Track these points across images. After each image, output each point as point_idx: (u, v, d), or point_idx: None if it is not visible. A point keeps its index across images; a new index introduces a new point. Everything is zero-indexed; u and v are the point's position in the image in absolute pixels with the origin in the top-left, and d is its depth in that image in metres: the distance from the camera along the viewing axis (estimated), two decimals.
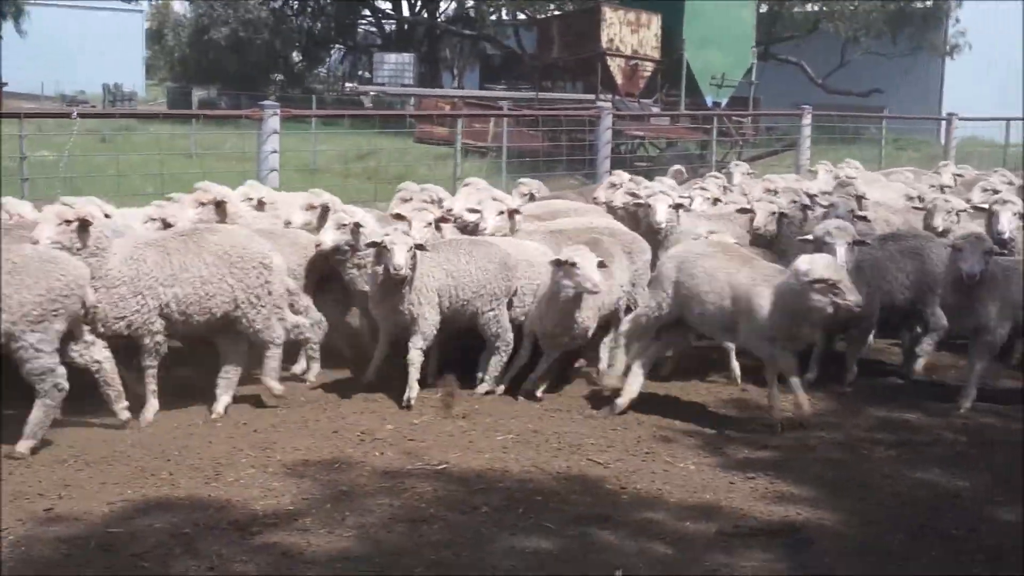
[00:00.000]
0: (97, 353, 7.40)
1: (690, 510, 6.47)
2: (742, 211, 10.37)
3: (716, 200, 11.93)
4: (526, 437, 7.74)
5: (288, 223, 9.26)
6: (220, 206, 9.08)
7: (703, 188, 12.24)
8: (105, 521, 6.06)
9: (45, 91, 60.71)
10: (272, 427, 7.81)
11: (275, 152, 11.09)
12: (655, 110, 25.47)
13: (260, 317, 8.06)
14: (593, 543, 5.95)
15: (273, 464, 7.04)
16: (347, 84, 53.42)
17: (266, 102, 11.72)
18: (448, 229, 9.69)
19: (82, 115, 11.67)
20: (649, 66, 26.49)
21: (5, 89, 55.61)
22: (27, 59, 53.33)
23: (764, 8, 38.76)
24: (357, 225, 8.60)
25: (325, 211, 9.14)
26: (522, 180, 11.97)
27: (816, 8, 42.70)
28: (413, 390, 8.40)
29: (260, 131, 11.15)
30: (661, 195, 9.80)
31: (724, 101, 27.18)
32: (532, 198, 11.42)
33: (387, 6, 58.75)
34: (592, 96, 25.82)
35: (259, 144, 11.19)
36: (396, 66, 48.73)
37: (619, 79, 25.98)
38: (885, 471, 7.25)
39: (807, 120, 19.51)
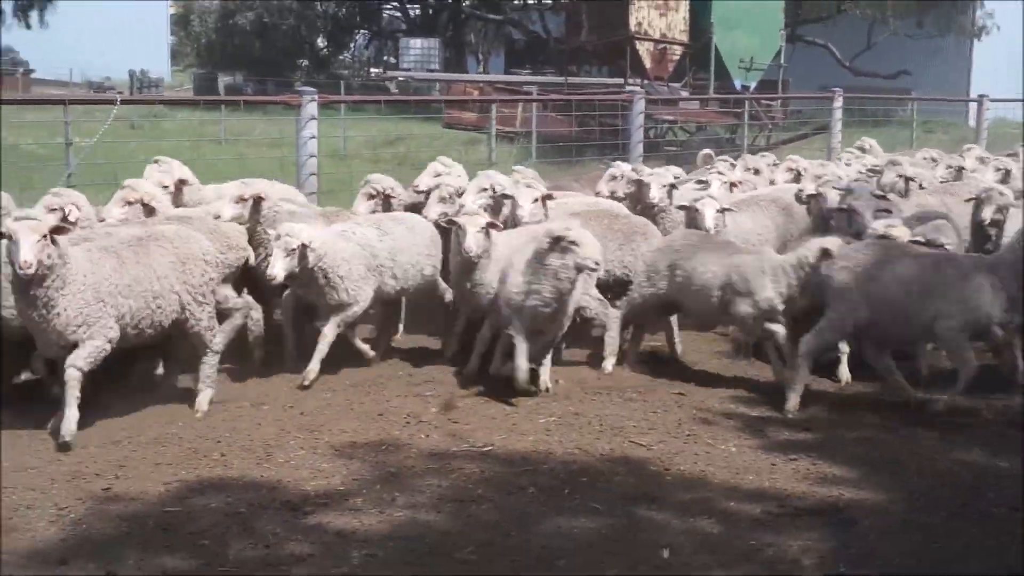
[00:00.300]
0: None
1: (734, 491, 6.56)
2: (811, 198, 10.31)
3: (732, 185, 11.74)
4: (568, 420, 7.84)
5: (217, 217, 8.81)
6: (147, 205, 8.90)
7: (719, 172, 12.11)
8: (162, 500, 6.20)
9: (73, 77, 61.08)
10: (318, 410, 7.92)
11: (313, 138, 11.19)
12: (684, 94, 25.46)
13: (205, 315, 7.90)
14: (640, 522, 6.05)
15: (322, 446, 7.17)
16: (373, 70, 53.53)
17: (304, 88, 11.80)
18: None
19: (124, 101, 11.76)
20: (678, 50, 26.48)
21: (33, 76, 56.19)
22: (54, 46, 53.58)
23: None
24: (304, 247, 8.23)
25: (258, 202, 8.79)
26: (516, 167, 11.72)
27: None
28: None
29: (298, 117, 11.23)
30: (709, 200, 9.61)
31: (753, 84, 27.15)
32: None
33: None
34: (620, 80, 25.85)
35: (297, 130, 11.28)
36: (422, 51, 48.82)
37: (648, 63, 25.97)
38: (926, 451, 7.31)
39: (838, 103, 19.46)
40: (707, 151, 16.02)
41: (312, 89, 11.66)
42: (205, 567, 5.39)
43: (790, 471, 6.89)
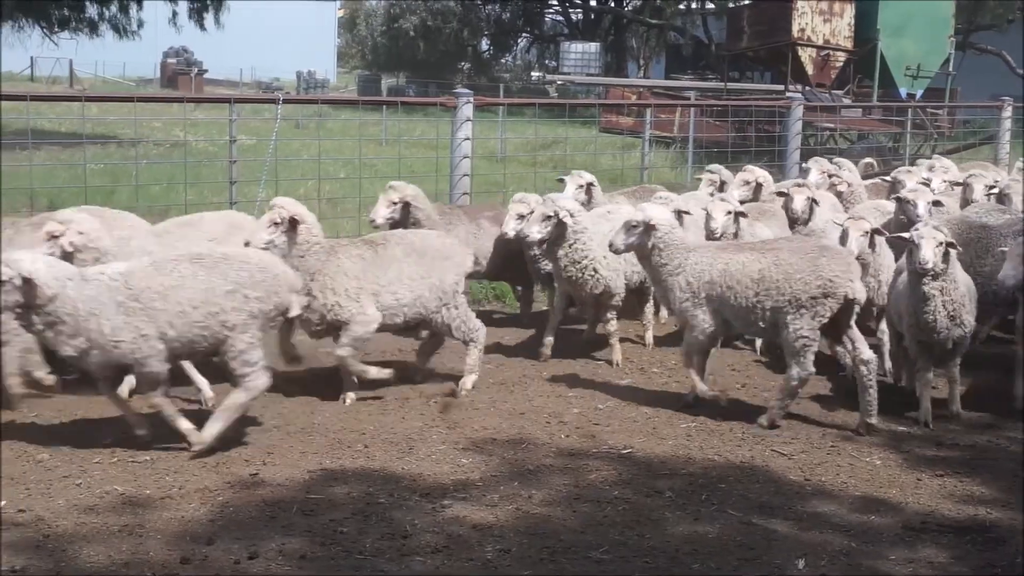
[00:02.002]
0: None
1: (875, 504, 6.44)
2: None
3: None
4: (710, 426, 7.80)
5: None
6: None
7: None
8: (306, 487, 6.39)
9: (243, 78, 63.11)
10: (461, 407, 8.05)
11: (468, 139, 11.31)
12: (846, 101, 24.95)
13: None
14: (776, 531, 5.98)
15: (463, 441, 7.29)
16: (534, 73, 53.86)
17: (460, 90, 11.93)
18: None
19: (286, 101, 12.11)
20: (841, 56, 25.96)
21: (207, 76, 58.26)
22: (226, 47, 55.43)
23: None
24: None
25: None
26: (576, 172, 11.02)
27: None
28: None
29: (454, 118, 11.38)
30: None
31: (919, 92, 26.44)
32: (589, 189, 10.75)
33: None
34: (781, 86, 25.50)
35: (453, 131, 11.43)
36: (582, 55, 48.96)
37: (810, 69, 25.54)
38: None
39: (1007, 112, 18.80)
40: (868, 159, 15.69)
41: (468, 91, 11.78)
42: (343, 553, 5.53)
43: (935, 487, 6.73)
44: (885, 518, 6.23)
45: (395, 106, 17.03)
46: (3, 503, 6.03)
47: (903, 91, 26.15)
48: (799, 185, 9.85)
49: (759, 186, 11.32)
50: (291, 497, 6.23)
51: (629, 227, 8.01)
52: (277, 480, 6.49)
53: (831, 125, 23.49)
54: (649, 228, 7.96)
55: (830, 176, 11.90)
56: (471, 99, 11.48)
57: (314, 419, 7.64)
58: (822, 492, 6.62)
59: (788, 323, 7.61)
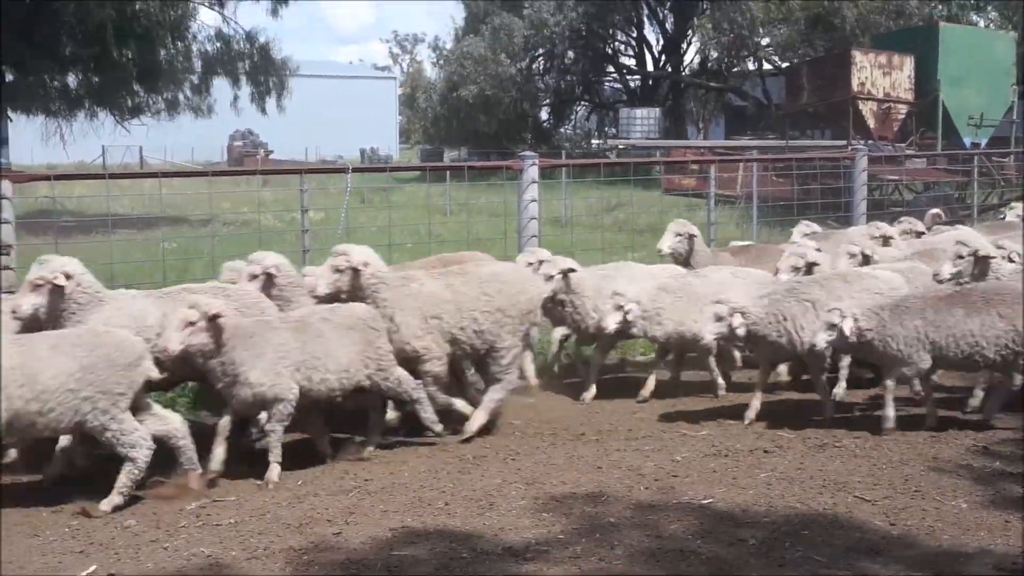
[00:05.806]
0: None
1: (963, 548, 6.34)
2: None
3: None
4: (790, 474, 7.74)
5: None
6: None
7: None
8: (388, 545, 6.42)
9: (308, 156, 64.15)
10: (539, 463, 8.07)
11: (534, 201, 11.41)
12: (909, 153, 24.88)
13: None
14: None
15: (542, 497, 7.28)
16: (594, 141, 54.16)
17: (525, 152, 12.08)
18: None
19: (355, 170, 12.33)
20: (903, 108, 25.96)
21: (272, 156, 59.32)
22: (290, 128, 56.40)
23: None
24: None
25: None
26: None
27: None
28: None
29: (520, 181, 11.50)
30: None
31: (984, 141, 26.30)
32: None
33: (631, 62, 59.54)
34: (843, 142, 25.48)
35: (519, 194, 11.53)
36: (642, 120, 49.24)
37: (871, 123, 25.54)
38: None
39: None
40: (935, 210, 15.56)
41: (533, 154, 11.91)
42: None
43: None
44: (975, 562, 6.13)
45: (461, 174, 17.25)
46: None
47: (967, 140, 26.05)
48: None
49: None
50: (374, 555, 6.26)
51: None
52: (360, 539, 6.53)
53: (896, 177, 23.40)
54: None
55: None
56: (536, 161, 11.61)
57: (395, 479, 7.68)
58: (908, 537, 6.53)
59: None
